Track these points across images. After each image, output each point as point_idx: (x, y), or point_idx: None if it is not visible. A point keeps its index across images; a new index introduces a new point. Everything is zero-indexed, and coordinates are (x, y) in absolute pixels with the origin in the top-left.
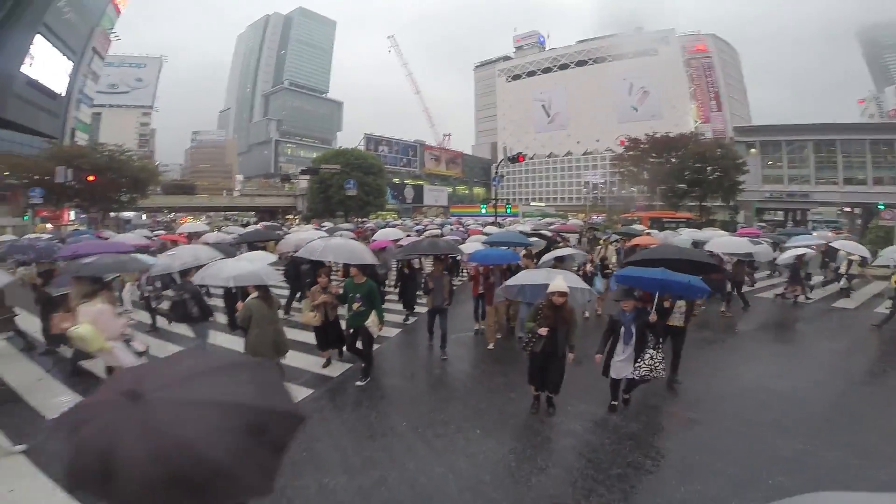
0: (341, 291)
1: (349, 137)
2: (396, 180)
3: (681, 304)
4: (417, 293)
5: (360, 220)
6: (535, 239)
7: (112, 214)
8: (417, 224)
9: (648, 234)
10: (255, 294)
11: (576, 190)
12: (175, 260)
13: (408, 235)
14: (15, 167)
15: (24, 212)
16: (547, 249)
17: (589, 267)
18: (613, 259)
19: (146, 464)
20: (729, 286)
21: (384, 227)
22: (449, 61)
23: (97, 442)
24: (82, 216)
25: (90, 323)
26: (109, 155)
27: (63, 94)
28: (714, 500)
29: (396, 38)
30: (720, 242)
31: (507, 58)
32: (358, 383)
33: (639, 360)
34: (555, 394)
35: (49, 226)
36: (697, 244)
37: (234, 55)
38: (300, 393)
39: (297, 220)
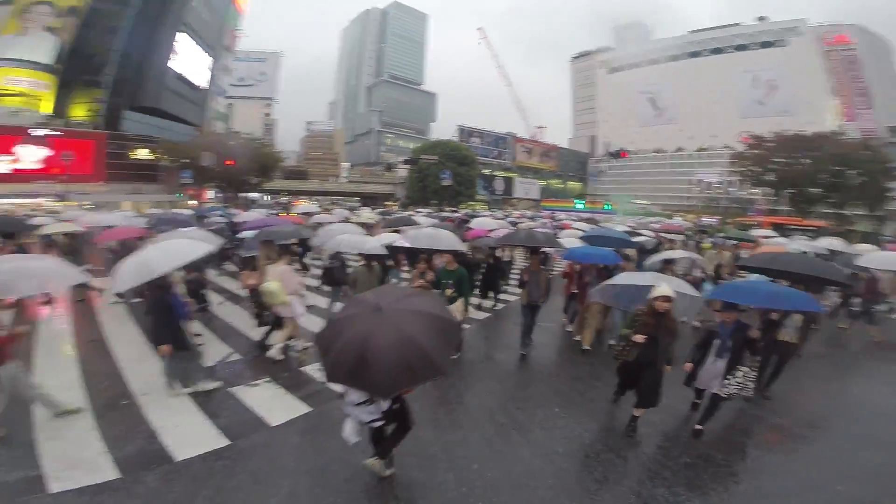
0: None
1: (442, 127)
2: (487, 171)
3: (796, 318)
4: (502, 282)
5: (452, 209)
6: (644, 239)
7: (241, 195)
8: (508, 216)
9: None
10: (361, 262)
11: (685, 189)
12: (329, 234)
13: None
14: (170, 151)
15: (176, 190)
16: (654, 250)
17: (698, 273)
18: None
19: (390, 352)
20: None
21: (473, 216)
22: (544, 53)
23: (357, 339)
24: (219, 195)
25: (277, 280)
26: (244, 143)
27: (204, 86)
28: (775, 496)
29: (489, 30)
30: (879, 257)
31: (607, 49)
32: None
33: (729, 375)
34: (651, 406)
35: (192, 202)
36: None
37: (341, 49)
38: None
39: (395, 207)
